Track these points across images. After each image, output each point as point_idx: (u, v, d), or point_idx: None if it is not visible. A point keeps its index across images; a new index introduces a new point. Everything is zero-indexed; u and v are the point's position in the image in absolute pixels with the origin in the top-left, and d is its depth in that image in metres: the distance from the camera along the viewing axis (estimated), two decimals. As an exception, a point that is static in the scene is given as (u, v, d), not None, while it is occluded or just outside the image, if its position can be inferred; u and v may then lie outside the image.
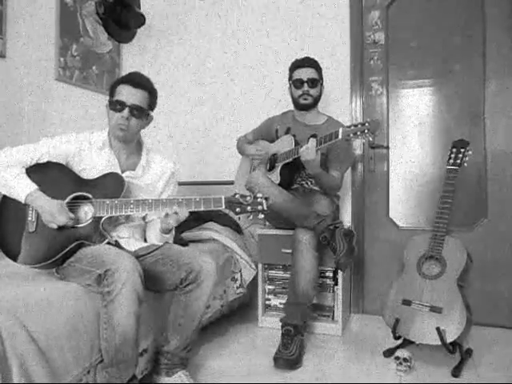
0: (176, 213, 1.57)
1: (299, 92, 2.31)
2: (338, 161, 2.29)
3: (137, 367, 1.48)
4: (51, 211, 1.49)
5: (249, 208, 1.53)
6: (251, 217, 1.54)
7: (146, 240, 1.83)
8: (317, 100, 2.35)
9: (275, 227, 2.38)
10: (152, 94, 1.70)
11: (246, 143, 2.54)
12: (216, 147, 3.01)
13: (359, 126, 1.89)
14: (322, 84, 2.36)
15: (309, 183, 2.36)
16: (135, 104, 1.63)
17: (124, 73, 3.06)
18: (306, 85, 2.28)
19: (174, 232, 1.76)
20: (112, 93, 1.67)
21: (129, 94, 1.63)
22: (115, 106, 1.63)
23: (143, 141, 1.81)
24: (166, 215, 1.58)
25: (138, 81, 1.66)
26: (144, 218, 1.82)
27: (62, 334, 1.28)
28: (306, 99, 2.31)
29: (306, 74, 2.28)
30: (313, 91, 2.30)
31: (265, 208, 1.52)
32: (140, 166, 1.75)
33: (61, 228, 1.52)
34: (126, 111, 1.62)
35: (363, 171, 2.69)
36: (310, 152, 2.01)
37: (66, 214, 1.51)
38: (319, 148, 2.03)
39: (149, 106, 1.70)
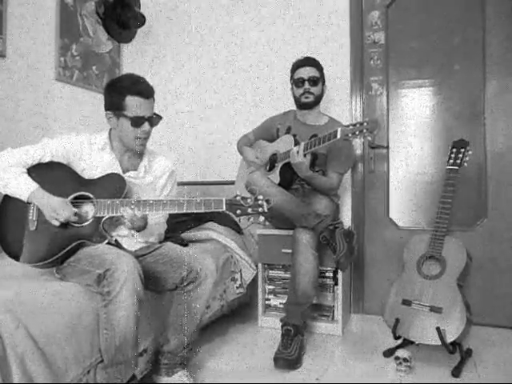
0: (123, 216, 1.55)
1: (300, 91, 2.31)
2: (338, 162, 2.29)
3: (137, 367, 1.48)
4: (54, 207, 1.50)
5: (249, 210, 1.52)
6: (252, 219, 1.54)
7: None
8: (318, 99, 2.35)
9: (275, 227, 2.38)
10: (154, 97, 1.69)
11: (247, 144, 2.54)
12: (217, 147, 3.01)
13: (358, 125, 1.89)
14: (323, 83, 2.36)
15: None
16: (152, 115, 1.64)
17: (124, 73, 3.06)
18: (306, 83, 2.28)
19: (158, 231, 1.77)
20: (118, 104, 1.60)
21: (144, 107, 1.60)
22: (133, 121, 1.60)
23: None
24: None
25: (146, 90, 1.61)
26: None
27: (62, 333, 1.28)
28: (307, 97, 2.31)
29: (306, 72, 2.29)
30: (314, 89, 2.30)
31: (265, 210, 1.52)
32: (142, 166, 1.75)
33: (63, 226, 1.52)
34: (146, 125, 1.62)
35: (363, 171, 2.69)
36: (297, 156, 2.03)
37: (70, 209, 1.52)
38: (308, 152, 2.04)
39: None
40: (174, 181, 1.88)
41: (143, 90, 1.61)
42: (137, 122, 1.61)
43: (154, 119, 1.66)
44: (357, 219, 2.68)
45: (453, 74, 2.51)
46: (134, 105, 1.59)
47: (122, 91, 1.60)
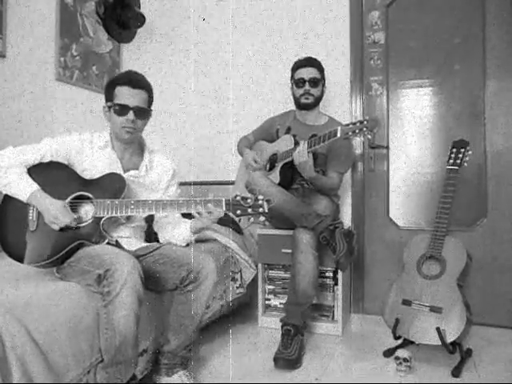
0: (210, 212, 1.56)
1: (300, 91, 2.31)
2: (338, 161, 2.29)
3: (137, 367, 1.48)
4: (54, 213, 1.49)
5: (250, 210, 1.52)
6: (252, 219, 1.53)
7: (148, 240, 1.84)
8: (318, 100, 2.35)
9: (275, 227, 2.38)
10: (150, 91, 1.69)
11: (247, 145, 2.53)
12: (217, 147, 3.01)
13: (358, 124, 1.89)
14: (323, 84, 2.36)
15: (309, 183, 2.36)
16: (138, 106, 1.63)
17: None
18: (307, 84, 2.28)
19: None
20: (110, 95, 1.64)
21: (130, 96, 1.61)
22: (118, 109, 1.61)
23: (145, 141, 1.81)
24: (199, 214, 1.57)
25: (136, 81, 1.64)
26: (148, 219, 1.82)
27: (62, 334, 1.28)
28: (307, 98, 2.31)
29: (307, 73, 2.29)
30: (314, 90, 2.30)
31: (266, 210, 1.52)
32: (143, 165, 1.75)
33: (62, 229, 1.52)
34: (130, 114, 1.61)
35: (363, 171, 2.69)
36: (301, 155, 2.02)
37: (69, 215, 1.51)
38: (311, 150, 2.04)
39: (149, 104, 1.69)
40: (177, 181, 1.88)
41: (132, 79, 1.63)
42: (120, 109, 1.61)
43: (141, 110, 1.64)
44: (357, 219, 2.68)
45: (453, 73, 2.51)
46: (120, 94, 1.62)
47: (113, 82, 1.65)
